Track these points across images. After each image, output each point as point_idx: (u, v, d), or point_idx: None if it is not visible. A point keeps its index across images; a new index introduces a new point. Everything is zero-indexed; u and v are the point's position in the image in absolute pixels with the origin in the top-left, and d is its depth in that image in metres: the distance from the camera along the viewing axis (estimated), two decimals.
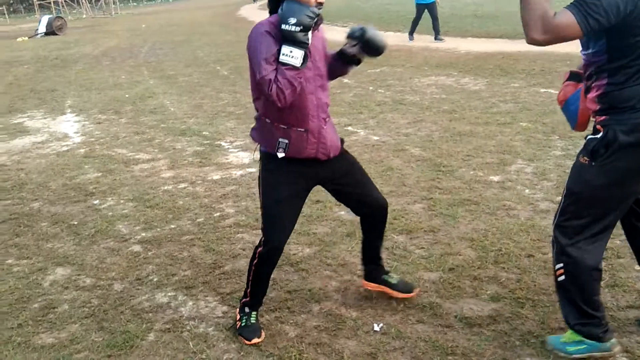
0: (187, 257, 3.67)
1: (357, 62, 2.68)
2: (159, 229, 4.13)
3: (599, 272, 2.30)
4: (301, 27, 2.27)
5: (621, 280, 2.94)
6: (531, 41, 2.03)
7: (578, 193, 2.24)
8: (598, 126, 2.19)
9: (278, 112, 2.45)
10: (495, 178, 4.49)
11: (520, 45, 10.24)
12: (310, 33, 2.32)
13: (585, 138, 2.28)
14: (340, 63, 2.67)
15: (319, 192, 4.50)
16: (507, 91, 7.30)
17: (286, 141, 2.50)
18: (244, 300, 2.83)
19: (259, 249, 2.68)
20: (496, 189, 4.28)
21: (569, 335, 2.39)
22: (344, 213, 4.10)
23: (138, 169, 5.60)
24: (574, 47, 8.47)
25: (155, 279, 3.44)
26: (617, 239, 3.36)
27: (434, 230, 3.72)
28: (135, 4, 46.39)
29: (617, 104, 2.12)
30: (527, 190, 4.20)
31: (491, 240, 3.50)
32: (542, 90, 7.12)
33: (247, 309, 2.80)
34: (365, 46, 2.55)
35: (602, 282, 2.91)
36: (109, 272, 3.56)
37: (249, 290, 2.78)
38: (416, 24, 12.94)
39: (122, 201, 4.76)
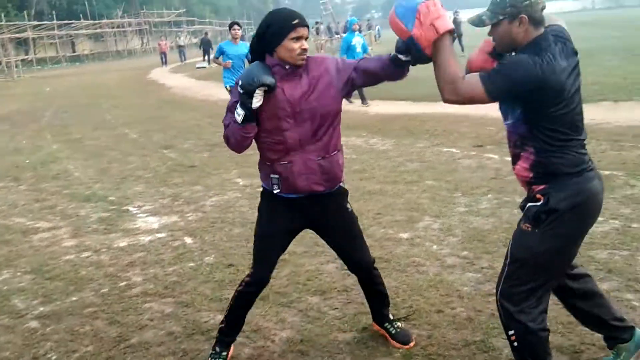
0: (90, 332, 3.45)
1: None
2: (58, 302, 3.88)
3: (547, 332, 2.34)
4: (243, 91, 2.43)
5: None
6: (445, 101, 2.18)
7: (522, 259, 2.28)
8: (538, 195, 2.24)
9: (262, 150, 2.66)
10: (405, 235, 4.60)
11: (424, 107, 10.77)
12: (255, 99, 2.44)
13: (521, 206, 2.38)
14: (393, 66, 2.55)
15: (230, 256, 4.45)
16: (412, 151, 7.60)
17: (277, 176, 2.63)
18: (220, 326, 2.99)
19: (247, 278, 2.85)
20: (405, 246, 4.38)
21: None
22: None
23: (37, 238, 5.28)
24: (472, 110, 9.01)
25: (54, 357, 3.19)
26: None
27: (347, 289, 3.73)
28: (39, 67, 44.97)
29: (551, 171, 2.20)
30: (434, 247, 4.32)
31: (402, 297, 3.55)
32: (445, 149, 7.48)
33: (217, 348, 2.97)
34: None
35: None
36: (2, 352, 3.27)
37: (226, 315, 2.96)
38: None
39: (18, 274, 4.45)
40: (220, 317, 3.47)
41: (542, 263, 2.26)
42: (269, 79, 2.44)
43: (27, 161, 9.05)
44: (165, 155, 8.77)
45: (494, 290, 3.47)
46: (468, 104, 2.19)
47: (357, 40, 11.64)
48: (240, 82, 2.43)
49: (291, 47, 2.47)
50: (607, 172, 5.58)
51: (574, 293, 2.56)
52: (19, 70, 37.24)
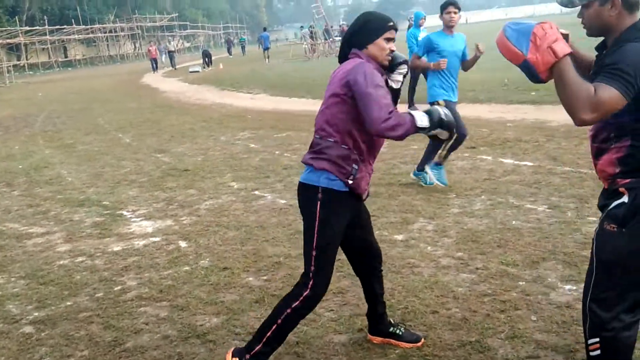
0: (85, 336, 3.44)
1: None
2: (53, 307, 3.86)
3: (635, 340, 2.22)
4: (439, 124, 2.56)
5: (520, 332, 3.06)
6: (581, 123, 1.98)
7: (610, 262, 2.16)
8: (621, 189, 2.12)
9: (358, 145, 2.61)
10: (400, 237, 4.61)
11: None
12: (435, 130, 2.58)
13: (600, 205, 2.25)
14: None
15: (225, 259, 4.44)
16: (407, 153, 7.62)
17: (357, 167, 2.62)
18: (255, 350, 2.69)
19: (305, 292, 2.63)
20: (401, 248, 4.38)
21: None
22: (252, 279, 4.03)
23: (31, 243, 5.26)
24: (465, 112, 8.98)
25: None
26: (514, 291, 3.52)
27: (342, 291, 3.73)
28: (31, 72, 44.81)
29: None
30: (429, 248, 4.33)
31: (397, 298, 3.55)
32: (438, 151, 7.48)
33: None
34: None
35: (502, 334, 3.04)
36: None
37: (268, 336, 2.67)
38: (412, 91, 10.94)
39: (12, 279, 4.43)
40: (216, 320, 3.47)
41: (632, 263, 2.13)
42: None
43: (20, 166, 9.02)
44: (159, 159, 8.75)
45: (489, 291, 3.51)
46: (603, 118, 2.01)
47: (423, 36, 10.77)
48: (446, 115, 2.56)
49: (383, 46, 2.62)
50: None
51: None
52: (11, 75, 37.09)
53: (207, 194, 6.46)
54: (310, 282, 2.64)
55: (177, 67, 33.96)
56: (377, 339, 3.06)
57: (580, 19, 2.18)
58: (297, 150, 8.40)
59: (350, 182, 2.61)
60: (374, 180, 6.36)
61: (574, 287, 3.49)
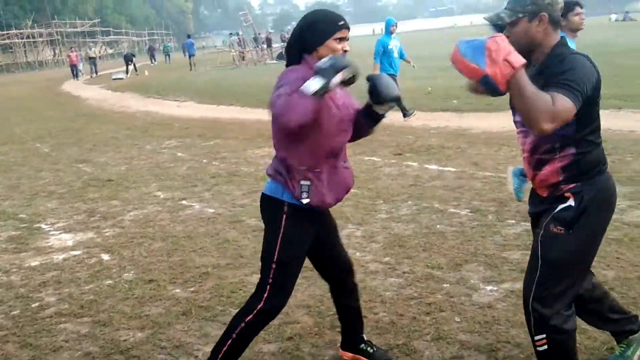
0: (0, 356, 3.24)
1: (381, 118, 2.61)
2: None
3: (575, 332, 2.36)
4: (331, 63, 2.17)
5: (444, 333, 3.14)
6: (540, 132, 2.03)
7: (556, 262, 2.27)
8: (567, 194, 2.24)
9: (298, 154, 2.42)
10: None
11: None
12: (336, 77, 2.17)
13: (536, 212, 2.39)
14: (367, 122, 2.61)
15: (151, 271, 4.32)
16: None
17: (308, 183, 2.44)
18: None
19: (259, 305, 2.52)
20: None
21: None
22: (179, 291, 3.94)
23: None
24: (392, 120, 9.17)
25: None
26: (438, 293, 3.61)
27: None
28: None
29: (585, 170, 2.23)
30: (357, 253, 4.38)
31: (327, 305, 3.56)
32: (367, 158, 7.61)
33: None
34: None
35: (428, 336, 3.11)
36: None
37: (224, 351, 2.56)
38: None
39: None
40: (140, 334, 3.36)
41: (577, 261, 2.30)
42: (357, 70, 2.24)
43: None
44: (81, 169, 8.42)
45: (415, 294, 3.58)
46: (558, 127, 2.07)
47: (395, 44, 9.95)
48: (326, 59, 2.20)
49: (335, 47, 2.39)
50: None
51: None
52: None
53: (132, 204, 6.27)
54: (265, 295, 2.52)
55: (98, 74, 32.60)
56: (348, 355, 2.95)
57: (507, 36, 2.21)
58: (225, 159, 8.30)
59: (305, 200, 2.45)
60: None
61: (495, 288, 3.62)
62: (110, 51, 63.70)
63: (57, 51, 59.78)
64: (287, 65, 2.52)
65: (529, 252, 3.88)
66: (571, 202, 2.24)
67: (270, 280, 2.52)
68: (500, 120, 9.26)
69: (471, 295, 3.55)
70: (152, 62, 41.76)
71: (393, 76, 9.46)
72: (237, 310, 3.54)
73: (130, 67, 31.18)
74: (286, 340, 3.19)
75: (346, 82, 2.24)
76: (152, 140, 10.48)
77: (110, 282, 4.20)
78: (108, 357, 3.17)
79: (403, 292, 3.67)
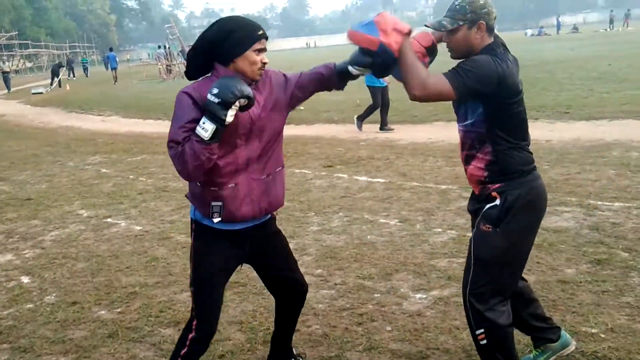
0: None
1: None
2: None
3: (512, 327, 2.50)
4: (219, 101, 2.12)
5: (376, 343, 3.17)
6: (413, 98, 2.29)
7: (487, 259, 2.41)
8: (493, 193, 2.40)
9: (206, 174, 2.27)
10: None
11: None
12: (231, 111, 2.15)
13: (472, 209, 2.56)
14: (338, 79, 2.53)
15: (74, 293, 4.14)
16: None
17: (219, 203, 2.31)
18: None
19: (190, 334, 2.41)
20: None
21: None
22: (105, 312, 3.79)
23: None
24: (322, 132, 9.24)
25: None
26: (370, 303, 3.66)
27: None
28: None
29: (508, 171, 2.37)
30: None
31: (259, 320, 3.54)
32: (297, 170, 7.63)
33: None
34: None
35: (360, 347, 3.13)
36: None
37: None
38: (372, 111, 10.19)
39: None
40: (63, 359, 3.21)
41: (506, 259, 2.42)
42: (250, 91, 2.18)
43: None
44: None
45: (347, 305, 3.61)
46: (435, 100, 2.34)
47: None
48: (215, 91, 2.13)
49: (254, 59, 2.27)
50: (443, 187, 6.05)
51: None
52: None
53: (53, 224, 6.00)
54: (194, 323, 2.45)
55: (11, 90, 29.62)
56: None
57: (447, 43, 2.46)
58: (153, 174, 8.11)
59: (217, 219, 2.34)
60: None
61: (424, 296, 3.70)
62: (29, 65, 60.97)
63: None
64: (188, 77, 2.39)
65: (455, 260, 4.03)
66: (497, 201, 2.40)
67: (194, 305, 2.47)
68: (426, 132, 9.55)
69: (401, 304, 3.62)
70: (69, 77, 38.80)
71: (383, 87, 9.95)
72: (166, 330, 3.48)
73: (56, 80, 29.79)
74: (218, 359, 3.13)
75: (242, 108, 2.21)
76: (75, 157, 10.10)
77: (30, 305, 4.00)
78: None
79: (335, 304, 3.69)
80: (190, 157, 2.16)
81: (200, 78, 2.36)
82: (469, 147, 2.47)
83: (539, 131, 8.37)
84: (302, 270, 4.23)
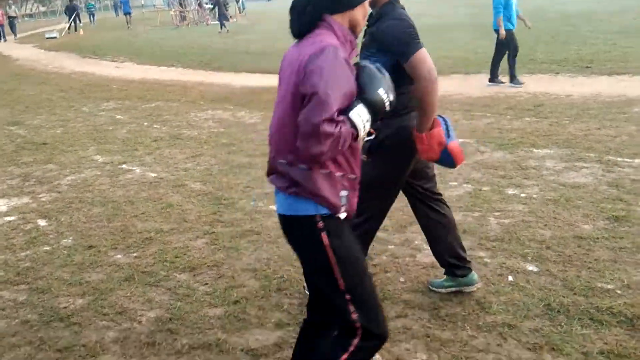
0: None
1: None
2: None
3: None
4: (389, 104, 1.87)
5: (389, 293, 3.19)
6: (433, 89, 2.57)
7: (364, 184, 2.30)
8: (371, 129, 2.62)
9: (336, 158, 1.89)
10: (274, 207, 4.59)
11: None
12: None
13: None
14: None
15: (90, 237, 4.19)
16: None
17: (346, 193, 1.95)
18: None
19: (354, 340, 1.95)
20: (276, 218, 4.35)
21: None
22: (121, 257, 3.84)
23: None
24: None
25: None
26: (384, 254, 3.66)
27: (217, 264, 3.66)
28: None
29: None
30: None
31: (273, 268, 3.56)
32: None
33: None
34: None
35: None
36: None
37: None
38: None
39: None
40: (81, 301, 3.28)
41: (374, 187, 2.70)
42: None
43: None
44: (13, 132, 8.03)
45: None
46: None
47: None
48: (391, 96, 1.87)
49: (366, 10, 1.97)
50: (460, 140, 5.96)
51: (431, 209, 3.08)
52: None
53: (68, 168, 6.03)
54: (361, 332, 1.96)
55: (18, 35, 29.26)
56: None
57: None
58: (167, 122, 8.09)
59: (344, 214, 1.98)
60: (247, 151, 6.32)
61: None
62: (42, 9, 60.50)
63: None
64: (296, 33, 1.94)
65: (470, 214, 4.01)
66: (374, 136, 2.74)
67: (355, 315, 1.95)
68: (444, 85, 9.35)
69: (415, 256, 3.62)
70: (76, 23, 36.57)
71: (510, 31, 8.81)
72: (181, 275, 3.52)
73: (71, 21, 29.18)
74: (232, 304, 3.17)
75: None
76: (88, 102, 10.08)
77: (47, 248, 4.06)
78: (47, 324, 3.07)
79: None
80: (342, 145, 1.79)
81: (310, 35, 1.90)
82: None
83: (560, 85, 8.17)
84: None
